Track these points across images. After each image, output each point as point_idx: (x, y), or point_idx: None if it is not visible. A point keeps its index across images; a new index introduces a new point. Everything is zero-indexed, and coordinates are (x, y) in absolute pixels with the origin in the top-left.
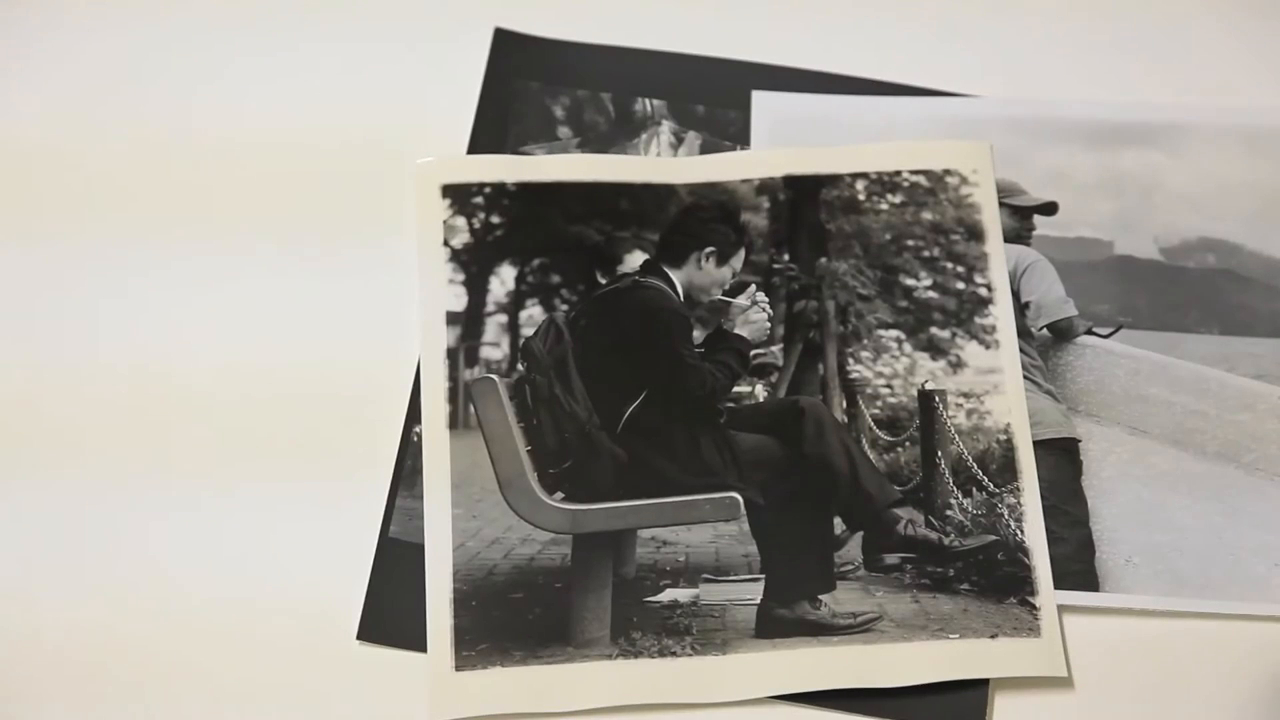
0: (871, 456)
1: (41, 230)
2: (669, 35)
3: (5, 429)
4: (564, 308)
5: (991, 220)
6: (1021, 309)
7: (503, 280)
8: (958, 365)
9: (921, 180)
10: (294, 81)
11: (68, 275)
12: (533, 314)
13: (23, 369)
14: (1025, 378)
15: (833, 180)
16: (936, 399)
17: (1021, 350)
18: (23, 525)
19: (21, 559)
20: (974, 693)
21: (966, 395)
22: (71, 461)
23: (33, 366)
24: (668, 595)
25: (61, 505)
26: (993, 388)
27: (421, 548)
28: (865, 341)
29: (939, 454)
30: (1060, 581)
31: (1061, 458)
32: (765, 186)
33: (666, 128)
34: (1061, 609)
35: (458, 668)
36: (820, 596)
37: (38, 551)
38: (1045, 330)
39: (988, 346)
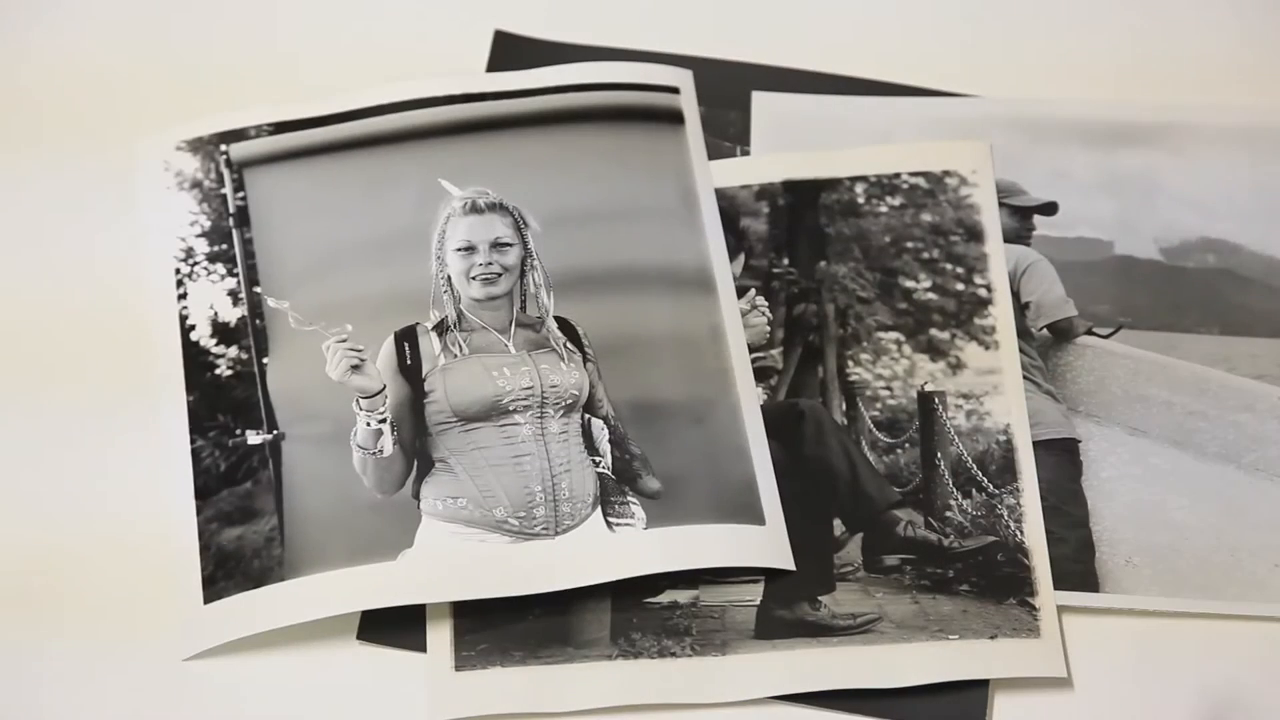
0: (871, 458)
1: None
2: (669, 36)
3: None
4: None
5: (991, 221)
6: (1021, 309)
7: None
8: (957, 366)
9: (921, 182)
10: (291, 83)
11: None
12: None
13: None
14: (1025, 378)
15: (832, 184)
16: (936, 400)
17: (1021, 350)
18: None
19: None
20: (974, 693)
21: (966, 396)
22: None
23: None
24: (667, 596)
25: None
26: (992, 388)
27: None
28: (865, 344)
29: (938, 455)
30: (1060, 581)
31: (1061, 458)
32: (765, 192)
33: None
34: (1061, 609)
35: (458, 668)
36: (820, 597)
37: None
38: (1045, 330)
39: (987, 347)
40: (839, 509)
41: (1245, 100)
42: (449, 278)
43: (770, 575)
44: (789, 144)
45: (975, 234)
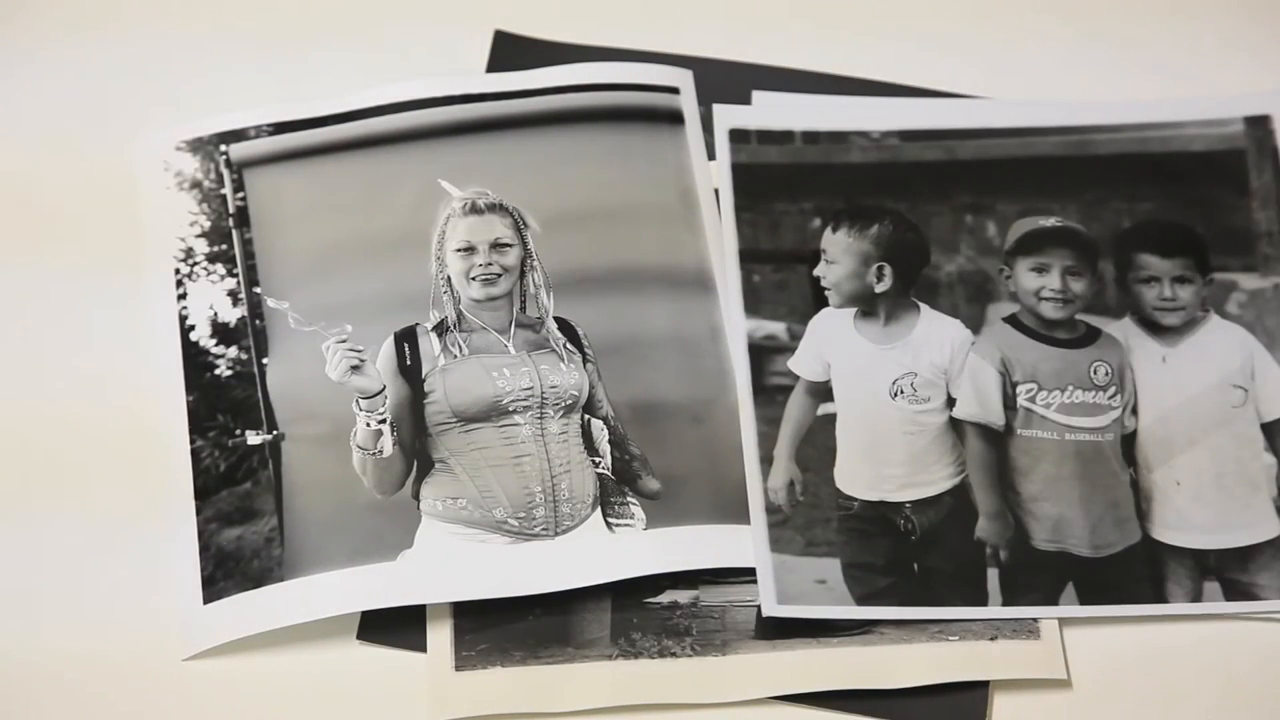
0: None
1: None
2: (669, 36)
3: None
4: None
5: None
6: None
7: None
8: None
9: None
10: (291, 84)
11: None
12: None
13: None
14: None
15: None
16: None
17: None
18: None
19: None
20: (973, 694)
21: None
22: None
23: None
24: (667, 596)
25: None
26: None
27: None
28: None
29: None
30: None
31: None
32: None
33: None
34: None
35: (458, 668)
36: None
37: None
38: None
39: None
40: None
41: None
42: (449, 278)
43: None
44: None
45: None
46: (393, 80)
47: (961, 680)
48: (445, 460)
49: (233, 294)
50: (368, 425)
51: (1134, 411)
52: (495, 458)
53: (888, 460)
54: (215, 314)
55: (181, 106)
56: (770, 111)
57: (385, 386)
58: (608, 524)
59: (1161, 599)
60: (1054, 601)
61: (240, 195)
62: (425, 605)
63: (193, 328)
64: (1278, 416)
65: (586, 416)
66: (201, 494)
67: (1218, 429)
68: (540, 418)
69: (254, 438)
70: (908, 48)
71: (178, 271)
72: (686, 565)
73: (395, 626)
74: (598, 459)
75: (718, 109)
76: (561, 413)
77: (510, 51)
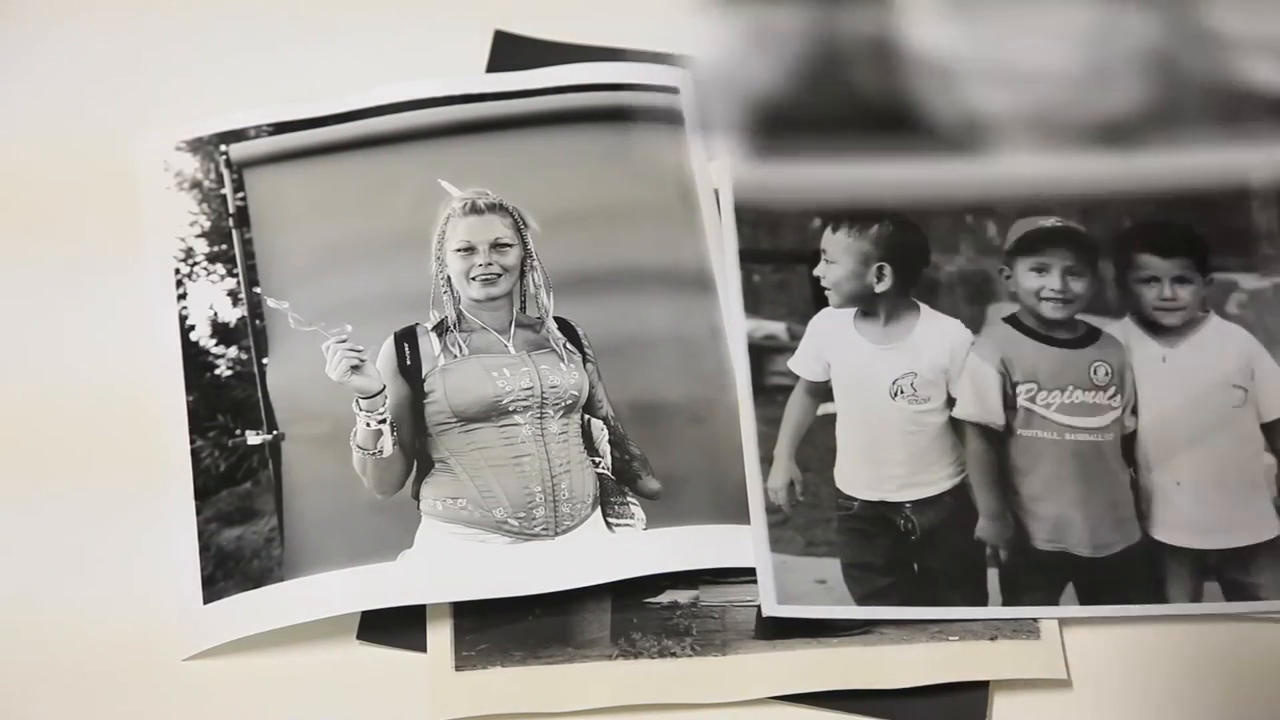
0: None
1: None
2: (669, 36)
3: None
4: None
5: None
6: None
7: None
8: None
9: None
10: (291, 84)
11: None
12: None
13: None
14: None
15: None
16: None
17: None
18: None
19: None
20: (973, 694)
21: None
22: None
23: None
24: (668, 596)
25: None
26: None
27: None
28: None
29: None
30: None
31: None
32: None
33: None
34: None
35: (458, 668)
36: None
37: None
38: None
39: None
40: None
41: None
42: (449, 278)
43: None
44: None
45: None
46: (393, 80)
47: (961, 680)
48: (445, 460)
49: (233, 294)
50: (368, 425)
51: (1134, 412)
52: (495, 458)
53: (888, 460)
54: (215, 314)
55: (181, 106)
56: None
57: (385, 386)
58: (608, 524)
59: (1161, 599)
60: (1054, 601)
61: (240, 195)
62: (425, 605)
63: (193, 328)
64: (1277, 417)
65: (586, 416)
66: (201, 494)
67: (1218, 429)
68: (540, 418)
69: (254, 438)
70: None
71: (178, 271)
72: (686, 565)
73: (395, 626)
74: (598, 459)
75: None
76: (561, 413)
77: (510, 51)
